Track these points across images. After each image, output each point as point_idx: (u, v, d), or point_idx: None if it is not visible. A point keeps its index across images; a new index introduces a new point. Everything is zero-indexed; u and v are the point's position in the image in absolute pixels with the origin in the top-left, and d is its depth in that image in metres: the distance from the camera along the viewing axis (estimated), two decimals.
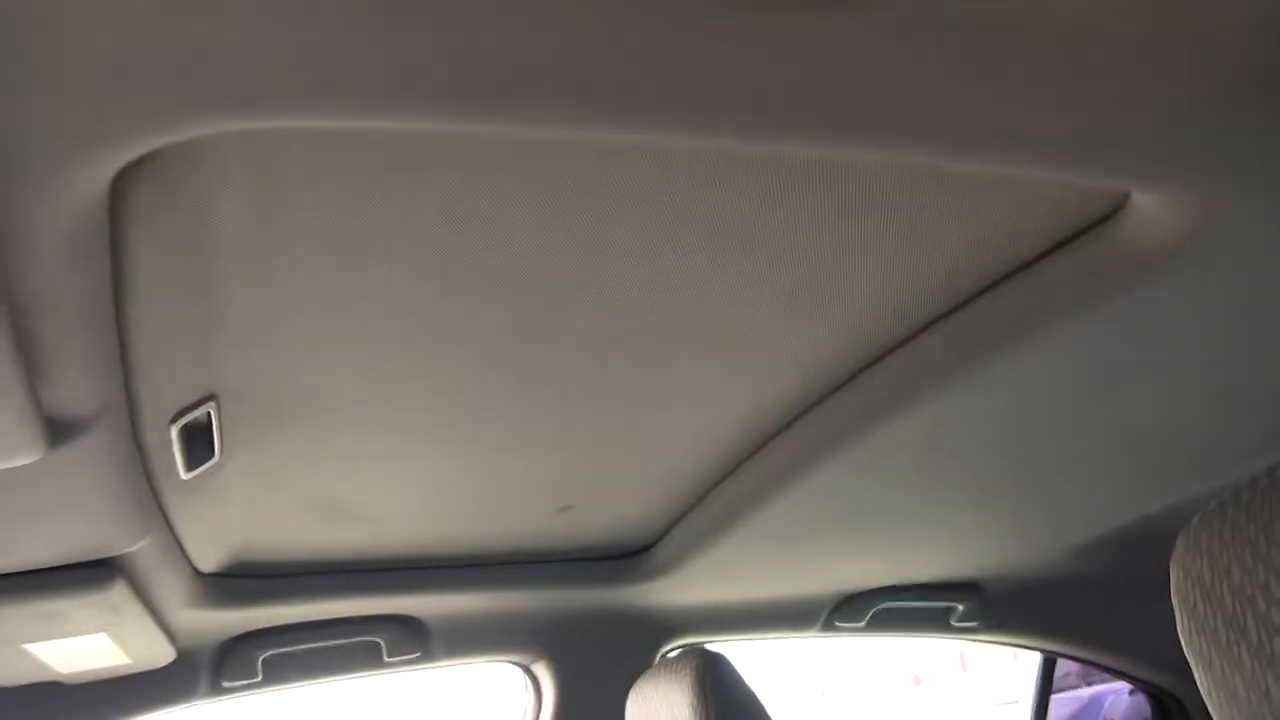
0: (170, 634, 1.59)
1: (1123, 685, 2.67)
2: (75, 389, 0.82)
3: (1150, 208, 0.87)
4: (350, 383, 1.13)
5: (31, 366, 0.73)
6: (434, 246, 0.90)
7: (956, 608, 2.26)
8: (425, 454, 1.35)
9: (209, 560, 1.59)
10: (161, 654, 1.63)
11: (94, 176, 0.61)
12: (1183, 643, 0.66)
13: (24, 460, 0.84)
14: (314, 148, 0.76)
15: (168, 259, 0.84)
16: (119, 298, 0.82)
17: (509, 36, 0.56)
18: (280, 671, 1.81)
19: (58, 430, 0.85)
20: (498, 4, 0.54)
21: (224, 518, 1.43)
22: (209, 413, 1.10)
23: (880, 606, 2.20)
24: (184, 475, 1.18)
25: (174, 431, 1.09)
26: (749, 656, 2.02)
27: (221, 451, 1.18)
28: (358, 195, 0.82)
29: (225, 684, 1.76)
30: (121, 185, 0.71)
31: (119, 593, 1.29)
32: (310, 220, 0.84)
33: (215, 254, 0.86)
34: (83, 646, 1.46)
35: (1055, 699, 2.64)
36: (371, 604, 1.81)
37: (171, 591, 1.48)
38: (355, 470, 1.37)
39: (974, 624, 2.30)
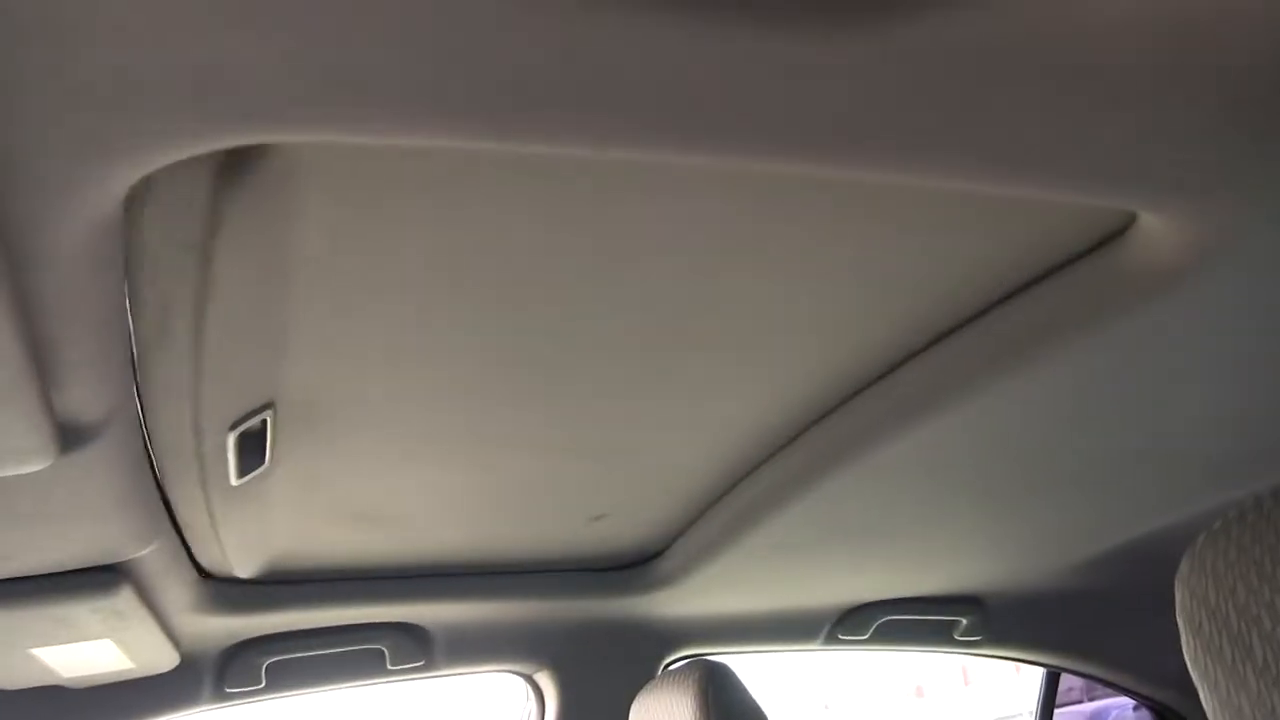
0: (174, 639, 1.59)
1: (1126, 700, 2.66)
2: (87, 396, 0.82)
3: (1157, 228, 0.87)
4: (396, 392, 1.14)
5: (44, 373, 0.74)
6: (488, 262, 0.92)
7: (960, 621, 2.26)
8: (454, 462, 1.37)
9: (246, 566, 1.60)
10: (165, 659, 1.64)
11: (109, 188, 0.62)
12: (1187, 661, 0.66)
13: (35, 466, 0.85)
14: (391, 165, 0.77)
15: (252, 269, 0.85)
16: (199, 303, 0.84)
17: (521, 56, 0.57)
18: (283, 678, 1.81)
19: (69, 436, 0.85)
20: (508, 25, 0.54)
21: (263, 524, 1.44)
22: (265, 420, 1.11)
23: (884, 620, 2.20)
24: (234, 482, 1.19)
25: (232, 438, 1.10)
26: (752, 668, 2.02)
27: (270, 459, 1.19)
28: (427, 212, 0.84)
29: (229, 690, 1.76)
30: (218, 195, 0.73)
31: (125, 598, 1.30)
32: (384, 235, 0.86)
33: (294, 265, 0.88)
34: (87, 651, 1.47)
35: (1059, 713, 2.64)
36: (376, 612, 1.81)
37: (176, 597, 1.49)
38: (392, 478, 1.38)
39: (978, 638, 2.30)
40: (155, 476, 1.20)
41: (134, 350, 0.92)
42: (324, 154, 0.75)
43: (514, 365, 1.12)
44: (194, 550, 1.49)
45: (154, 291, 0.83)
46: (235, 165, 0.72)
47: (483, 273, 0.94)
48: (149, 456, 1.18)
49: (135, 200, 0.72)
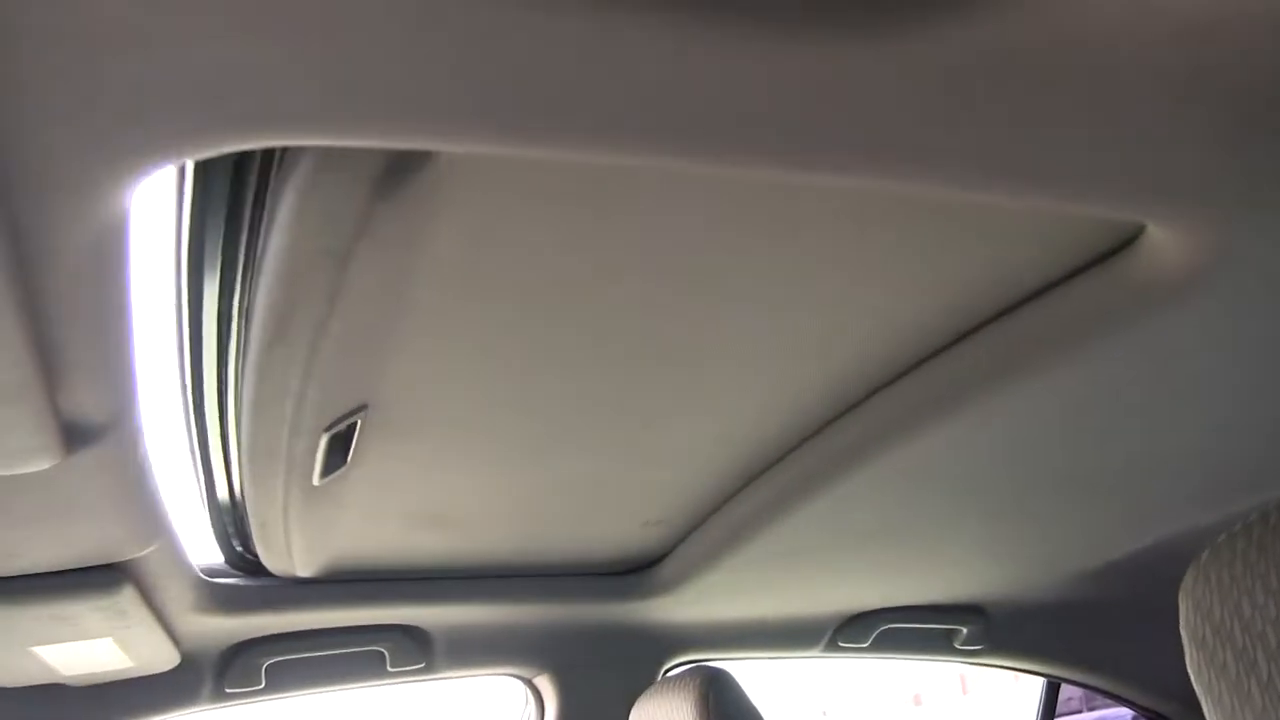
0: (175, 639, 1.59)
1: (1126, 711, 2.66)
2: (92, 396, 0.82)
3: (1164, 239, 0.87)
4: (473, 396, 1.15)
5: (50, 374, 0.74)
6: (578, 275, 0.94)
7: (961, 630, 2.25)
8: (506, 467, 1.38)
9: (309, 565, 1.61)
10: (166, 659, 1.64)
11: (116, 191, 0.62)
12: (1191, 675, 0.66)
13: (40, 465, 0.85)
14: (526, 177, 0.79)
15: (382, 277, 0.87)
16: (325, 309, 0.86)
17: (527, 63, 0.57)
18: (283, 679, 1.81)
19: (74, 436, 0.86)
20: (515, 32, 0.55)
21: (332, 524, 1.45)
22: (356, 422, 1.11)
23: (884, 627, 2.20)
24: (316, 482, 1.20)
25: (324, 439, 1.10)
26: (752, 674, 2.02)
27: (351, 460, 1.19)
28: (548, 225, 0.86)
29: (228, 690, 1.76)
30: (368, 206, 0.74)
31: (127, 597, 1.30)
32: (507, 246, 0.88)
33: (419, 274, 0.89)
34: (88, 649, 1.47)
35: None
36: (376, 613, 1.81)
37: (178, 596, 1.49)
38: (456, 480, 1.39)
39: (978, 647, 2.29)
40: (229, 479, 1.24)
41: (248, 351, 0.95)
42: (471, 165, 0.76)
43: (568, 372, 1.13)
44: (259, 550, 1.50)
45: (280, 295, 0.85)
46: (389, 177, 0.74)
47: (572, 284, 0.95)
48: (225, 456, 1.21)
49: (282, 206, 0.74)
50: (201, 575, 1.56)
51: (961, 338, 1.13)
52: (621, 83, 0.60)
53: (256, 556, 1.61)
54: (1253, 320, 1.00)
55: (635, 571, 1.93)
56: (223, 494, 1.38)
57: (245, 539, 1.56)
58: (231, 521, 1.50)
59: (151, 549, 1.24)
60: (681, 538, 1.79)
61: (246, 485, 1.25)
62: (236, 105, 0.57)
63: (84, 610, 1.29)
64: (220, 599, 1.63)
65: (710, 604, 1.98)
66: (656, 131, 0.65)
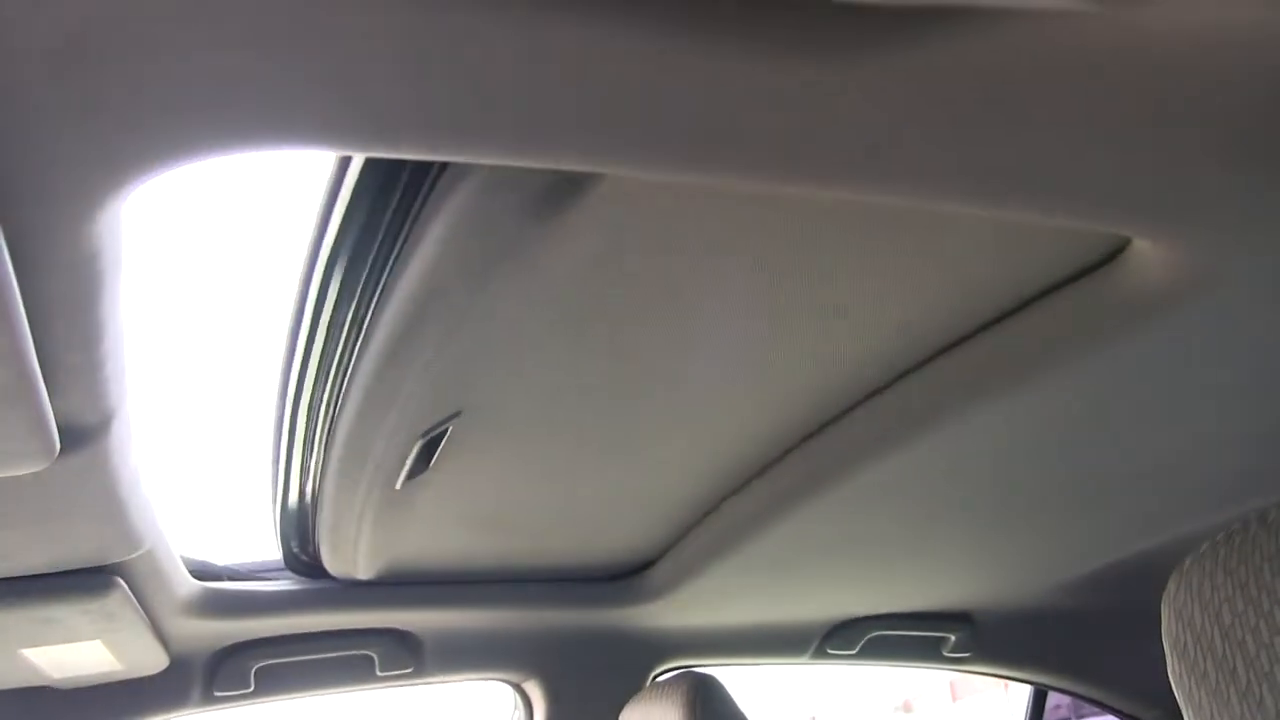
0: (164, 642, 1.59)
1: (1113, 719, 2.66)
2: (85, 399, 0.83)
3: (1150, 252, 0.88)
4: (549, 406, 1.16)
5: (46, 377, 0.74)
6: (662, 296, 0.95)
7: (949, 638, 2.26)
8: (556, 472, 1.38)
9: (371, 568, 1.62)
10: (155, 661, 1.63)
11: (113, 197, 0.62)
12: (1172, 683, 0.66)
13: (34, 467, 0.85)
14: (670, 203, 0.80)
15: (514, 298, 0.87)
16: (452, 324, 0.86)
17: (529, 77, 0.57)
18: (272, 682, 1.81)
19: (68, 439, 0.86)
20: (521, 47, 0.55)
21: (400, 528, 1.46)
22: (448, 429, 1.11)
23: (873, 634, 2.20)
24: (398, 486, 1.20)
25: (418, 445, 1.11)
26: (740, 681, 2.02)
27: (432, 465, 1.19)
28: (672, 253, 0.87)
29: (217, 693, 1.76)
30: (518, 227, 0.75)
31: (116, 600, 1.30)
32: (630, 273, 0.89)
33: (546, 296, 0.90)
34: (76, 652, 1.47)
35: None
36: (366, 617, 1.81)
37: (167, 599, 1.49)
38: (513, 487, 1.40)
39: (966, 654, 2.30)
40: (304, 484, 1.24)
41: (361, 358, 0.94)
42: (627, 189, 0.76)
43: (613, 386, 1.15)
44: (324, 551, 1.51)
45: (409, 310, 0.85)
46: (548, 199, 0.74)
47: (655, 305, 0.97)
48: (304, 457, 1.20)
49: (433, 224, 0.75)
50: (191, 579, 1.56)
51: (949, 348, 1.13)
52: (618, 98, 0.60)
53: (311, 558, 1.61)
54: (1235, 334, 1.01)
55: (625, 577, 1.94)
56: (294, 494, 1.38)
57: (304, 541, 1.56)
58: (295, 522, 1.50)
59: (141, 552, 1.24)
60: (671, 543, 1.79)
61: (328, 487, 1.25)
62: (235, 114, 0.58)
63: (73, 613, 1.29)
64: (209, 602, 1.62)
65: (699, 610, 1.98)
66: (655, 146, 0.65)
